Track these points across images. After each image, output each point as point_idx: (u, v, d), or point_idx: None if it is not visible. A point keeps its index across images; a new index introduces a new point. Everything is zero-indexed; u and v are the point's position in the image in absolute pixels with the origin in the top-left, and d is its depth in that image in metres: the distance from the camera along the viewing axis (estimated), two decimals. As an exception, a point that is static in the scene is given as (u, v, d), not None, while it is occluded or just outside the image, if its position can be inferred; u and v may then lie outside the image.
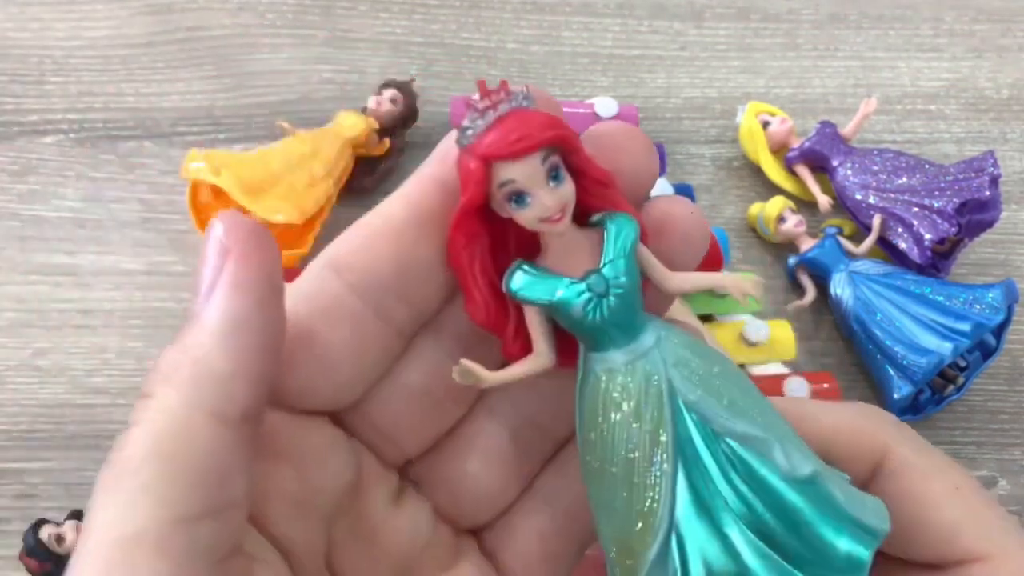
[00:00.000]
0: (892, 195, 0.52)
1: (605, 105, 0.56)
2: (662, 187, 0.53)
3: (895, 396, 0.48)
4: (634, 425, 0.20)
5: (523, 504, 0.25)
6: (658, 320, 0.22)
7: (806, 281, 0.53)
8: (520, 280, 0.21)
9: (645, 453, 0.20)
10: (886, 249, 0.53)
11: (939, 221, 0.50)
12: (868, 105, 0.55)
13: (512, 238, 0.21)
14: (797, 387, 0.48)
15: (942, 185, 0.51)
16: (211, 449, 0.18)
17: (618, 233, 0.21)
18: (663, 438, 0.20)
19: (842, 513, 0.20)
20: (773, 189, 0.57)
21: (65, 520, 0.42)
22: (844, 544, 0.20)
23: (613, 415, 0.20)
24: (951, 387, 0.50)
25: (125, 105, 0.56)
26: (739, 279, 0.21)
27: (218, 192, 0.49)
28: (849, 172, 0.53)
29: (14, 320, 0.49)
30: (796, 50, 0.63)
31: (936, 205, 0.50)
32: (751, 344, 0.49)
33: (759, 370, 0.49)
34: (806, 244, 0.53)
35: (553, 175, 0.20)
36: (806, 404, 0.25)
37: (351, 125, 0.53)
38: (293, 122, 0.54)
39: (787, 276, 0.54)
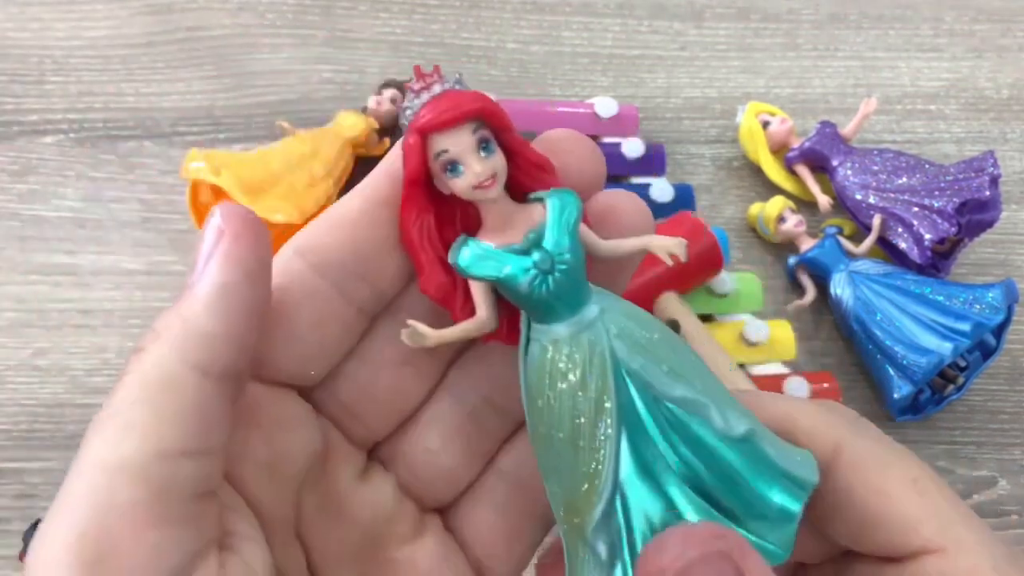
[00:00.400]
0: (892, 195, 0.52)
1: (605, 105, 0.56)
2: (662, 187, 0.53)
3: (895, 396, 0.48)
4: (580, 394, 0.21)
5: (483, 482, 0.26)
6: (602, 292, 0.23)
7: (806, 281, 0.53)
8: (467, 256, 0.22)
9: (590, 419, 0.21)
10: (886, 249, 0.53)
11: (939, 221, 0.50)
12: (868, 105, 0.55)
13: (458, 216, 0.23)
14: (797, 387, 0.48)
15: (942, 185, 0.51)
16: (194, 398, 0.20)
17: (562, 209, 0.22)
18: (607, 405, 0.21)
19: (775, 468, 0.21)
20: (773, 189, 0.57)
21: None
22: (777, 497, 0.21)
23: (559, 384, 0.22)
24: (951, 387, 0.50)
25: (125, 105, 0.56)
26: (665, 239, 0.23)
27: (218, 192, 0.49)
28: (849, 172, 0.53)
29: (14, 320, 0.49)
30: (796, 50, 0.63)
31: (936, 205, 0.50)
32: (751, 344, 0.49)
33: (759, 370, 0.49)
34: (806, 244, 0.53)
35: (483, 146, 0.22)
36: (760, 395, 0.25)
37: (351, 125, 0.53)
38: (293, 122, 0.54)
39: (787, 276, 0.54)
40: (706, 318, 0.50)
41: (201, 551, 0.20)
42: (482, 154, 0.22)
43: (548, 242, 0.22)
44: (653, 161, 0.55)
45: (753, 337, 0.49)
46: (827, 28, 0.64)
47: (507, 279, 0.22)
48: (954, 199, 0.50)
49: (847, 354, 0.52)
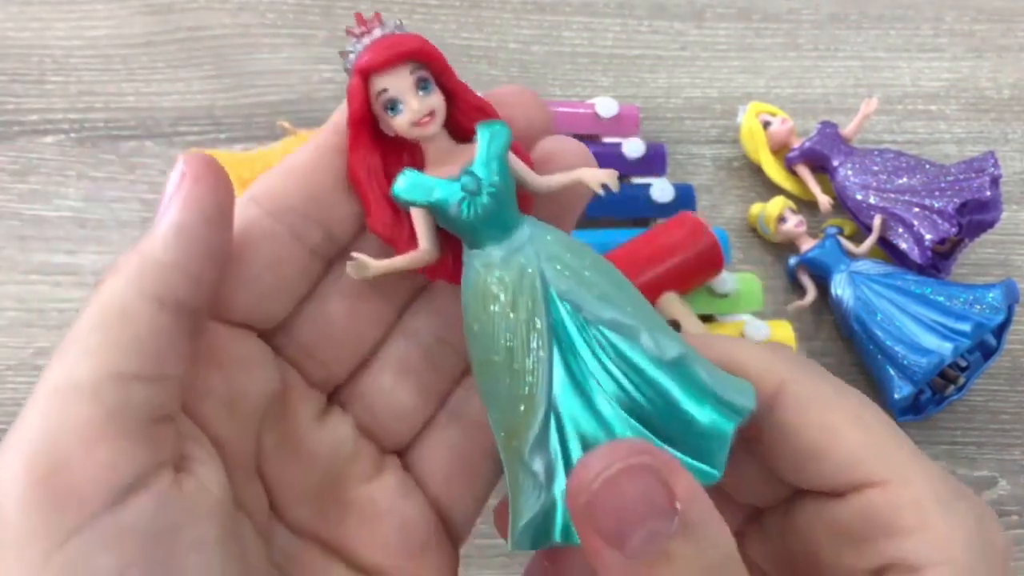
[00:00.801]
0: (892, 195, 0.52)
1: (606, 105, 0.56)
2: (663, 187, 0.53)
3: (896, 396, 0.48)
4: (511, 315, 0.22)
5: (438, 421, 0.27)
6: (533, 220, 0.24)
7: (806, 281, 0.53)
8: (403, 184, 0.24)
9: (523, 341, 0.22)
10: (886, 249, 0.53)
11: (939, 221, 0.50)
12: (869, 105, 0.55)
13: (404, 158, 0.24)
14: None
15: (943, 185, 0.51)
16: (148, 326, 0.21)
17: (491, 138, 0.24)
18: (538, 326, 0.22)
19: (707, 391, 0.22)
20: (774, 189, 0.57)
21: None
22: (707, 417, 0.22)
23: (492, 307, 0.22)
24: (952, 387, 0.50)
25: (126, 105, 0.56)
26: (596, 171, 0.24)
27: (219, 192, 0.49)
28: (850, 172, 0.53)
29: (14, 319, 0.49)
30: (797, 50, 0.63)
31: (937, 205, 0.50)
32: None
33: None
34: (806, 244, 0.53)
35: (421, 86, 0.23)
36: (706, 337, 0.26)
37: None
38: (294, 122, 0.54)
39: (788, 276, 0.54)
40: (707, 318, 0.50)
41: (154, 469, 0.20)
42: (420, 93, 0.23)
43: (476, 167, 0.23)
44: (654, 161, 0.55)
45: (754, 337, 0.49)
46: (828, 28, 0.64)
47: (437, 203, 0.23)
48: (955, 199, 0.50)
49: (847, 354, 0.52)
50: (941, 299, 0.48)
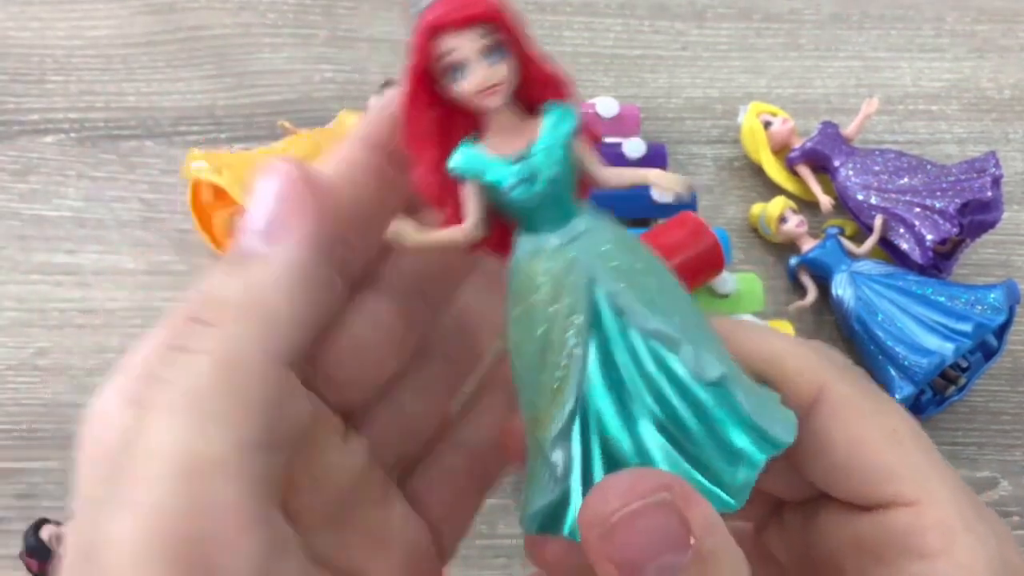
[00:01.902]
0: (894, 195, 0.52)
1: (606, 105, 0.55)
2: (663, 187, 0.53)
3: (896, 397, 0.48)
4: (552, 307, 0.21)
5: (442, 447, 0.26)
6: (594, 211, 0.23)
7: (807, 281, 0.53)
8: (459, 157, 0.22)
9: (560, 332, 0.21)
10: (887, 250, 0.53)
11: (941, 222, 0.50)
12: (870, 105, 0.55)
13: (462, 123, 0.23)
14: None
15: (944, 186, 0.51)
16: (273, 386, 0.19)
17: (557, 121, 0.22)
18: (578, 322, 0.21)
19: (745, 419, 0.21)
20: (775, 189, 0.56)
21: (66, 520, 0.42)
22: (740, 442, 0.21)
23: (533, 295, 0.22)
24: (952, 388, 0.50)
25: (126, 104, 0.56)
26: (667, 175, 0.23)
27: (219, 192, 0.49)
28: (851, 172, 0.53)
29: (15, 319, 0.49)
30: (798, 50, 0.63)
31: (938, 206, 0.50)
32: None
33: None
34: (807, 244, 0.53)
35: (491, 52, 0.21)
36: (749, 328, 0.25)
37: (352, 125, 0.53)
38: (294, 122, 0.54)
39: (788, 276, 0.54)
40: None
41: (284, 543, 0.19)
42: (489, 60, 0.21)
43: (537, 152, 0.22)
44: (654, 161, 0.55)
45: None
46: (829, 28, 0.64)
47: (491, 183, 0.22)
48: (956, 200, 0.50)
49: (848, 355, 0.52)
50: (942, 299, 0.48)
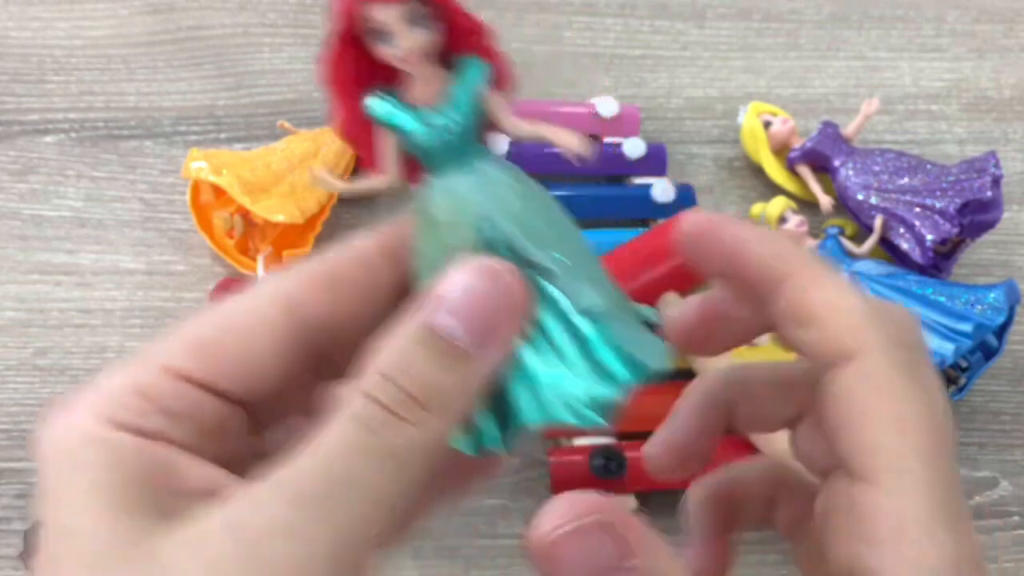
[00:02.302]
0: (894, 195, 0.52)
1: (606, 105, 0.56)
2: (664, 188, 0.53)
3: (897, 397, 0.48)
4: (450, 240, 0.23)
5: None
6: (498, 159, 0.25)
7: (807, 281, 0.53)
8: (377, 106, 0.24)
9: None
10: (888, 250, 0.53)
11: (941, 222, 0.50)
12: (870, 105, 0.55)
13: (381, 75, 0.25)
14: None
15: (944, 186, 0.51)
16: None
17: (469, 75, 0.24)
18: (470, 254, 0.23)
19: (617, 346, 0.23)
20: (775, 189, 0.56)
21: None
22: (613, 366, 0.23)
23: (435, 229, 0.24)
24: (953, 388, 0.50)
25: (126, 104, 0.56)
26: (567, 134, 0.25)
27: (219, 192, 0.50)
28: (851, 172, 0.53)
29: (15, 319, 0.49)
30: (798, 50, 0.63)
31: (938, 206, 0.50)
32: (752, 344, 0.49)
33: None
34: (808, 244, 0.53)
35: (415, 19, 0.23)
36: (815, 274, 0.24)
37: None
38: (294, 122, 0.54)
39: (788, 276, 0.54)
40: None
41: None
42: (413, 27, 0.23)
43: (448, 102, 0.24)
44: (654, 161, 0.55)
45: (755, 340, 0.49)
46: (829, 28, 0.64)
47: (404, 131, 0.24)
48: (956, 200, 0.50)
49: (848, 355, 0.52)
50: (942, 299, 0.48)
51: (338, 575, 0.19)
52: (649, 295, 0.48)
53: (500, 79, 0.25)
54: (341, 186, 0.25)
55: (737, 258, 0.24)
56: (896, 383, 0.23)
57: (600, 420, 0.22)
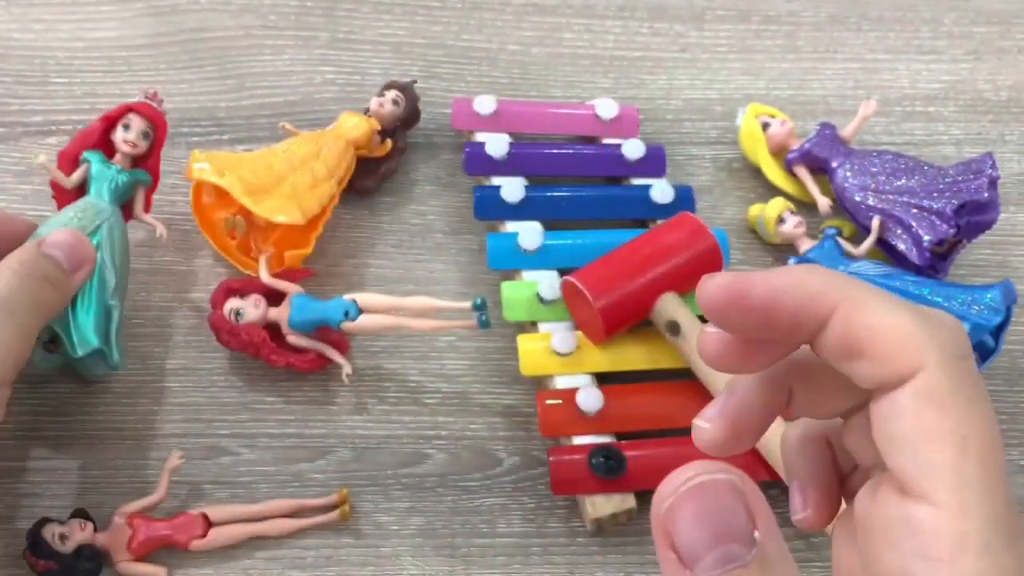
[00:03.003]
0: (891, 197, 0.52)
1: (605, 106, 0.56)
2: (662, 189, 0.53)
3: (894, 396, 0.48)
4: (64, 221, 0.46)
5: None
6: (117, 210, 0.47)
7: (806, 282, 0.53)
8: (89, 157, 0.49)
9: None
10: (885, 250, 0.53)
11: (938, 222, 0.50)
12: (867, 107, 0.56)
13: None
14: None
15: (941, 187, 0.51)
16: None
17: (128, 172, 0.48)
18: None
19: (107, 329, 0.46)
20: (773, 190, 0.57)
21: (68, 519, 0.43)
22: (97, 340, 0.45)
23: (65, 215, 0.47)
24: (950, 388, 0.51)
25: (128, 106, 0.56)
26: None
27: (221, 193, 0.50)
28: (848, 174, 0.54)
29: (18, 320, 0.49)
30: (796, 52, 0.63)
31: (935, 206, 0.51)
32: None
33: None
34: (805, 245, 0.53)
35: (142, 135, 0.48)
36: (867, 297, 0.24)
37: (353, 126, 0.53)
38: (296, 123, 0.54)
39: (787, 277, 0.54)
40: (706, 319, 0.51)
41: None
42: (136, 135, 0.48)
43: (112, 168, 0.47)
44: (653, 162, 0.55)
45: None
46: (827, 30, 0.64)
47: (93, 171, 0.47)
48: (953, 201, 0.50)
49: (846, 355, 0.53)
50: (939, 300, 0.49)
51: None
52: (648, 295, 0.48)
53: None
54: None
55: (773, 314, 0.24)
56: (952, 400, 0.23)
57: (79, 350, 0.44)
